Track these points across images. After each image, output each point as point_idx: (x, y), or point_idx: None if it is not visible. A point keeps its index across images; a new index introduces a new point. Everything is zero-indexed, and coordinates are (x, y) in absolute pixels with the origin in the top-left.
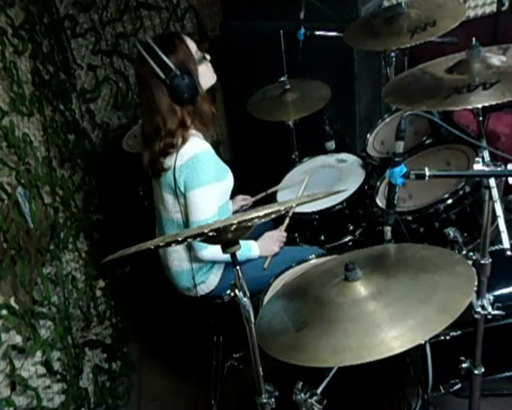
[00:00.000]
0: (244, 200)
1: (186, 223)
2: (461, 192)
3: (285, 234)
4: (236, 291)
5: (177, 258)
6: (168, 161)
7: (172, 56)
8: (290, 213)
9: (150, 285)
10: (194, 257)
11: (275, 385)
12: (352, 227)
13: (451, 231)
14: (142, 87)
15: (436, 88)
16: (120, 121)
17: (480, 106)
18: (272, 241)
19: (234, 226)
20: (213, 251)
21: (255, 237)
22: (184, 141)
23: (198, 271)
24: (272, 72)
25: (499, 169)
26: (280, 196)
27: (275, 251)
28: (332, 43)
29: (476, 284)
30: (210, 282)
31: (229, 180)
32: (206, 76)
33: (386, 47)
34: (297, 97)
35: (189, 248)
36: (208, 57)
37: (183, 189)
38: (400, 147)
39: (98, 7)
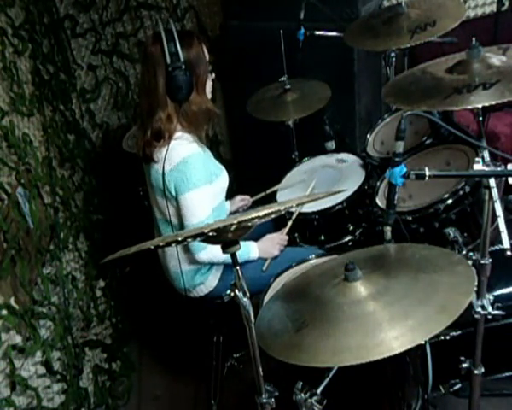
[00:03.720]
0: (243, 200)
1: (180, 226)
2: (461, 192)
3: (286, 237)
4: (236, 291)
5: (176, 259)
6: (156, 154)
7: (185, 50)
8: (294, 217)
9: (150, 285)
10: (191, 259)
11: (275, 385)
12: (351, 227)
13: (451, 231)
14: (146, 65)
15: (436, 88)
16: (120, 121)
17: (480, 106)
18: (272, 244)
19: (234, 226)
20: (210, 254)
21: (254, 238)
22: (171, 137)
23: (197, 272)
24: (272, 72)
25: (499, 169)
26: (280, 197)
27: (274, 254)
28: (332, 43)
29: (476, 284)
30: (209, 282)
31: (222, 180)
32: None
33: (386, 47)
34: (297, 97)
35: (187, 250)
36: (213, 75)
37: (174, 193)
38: (400, 147)
39: (98, 7)
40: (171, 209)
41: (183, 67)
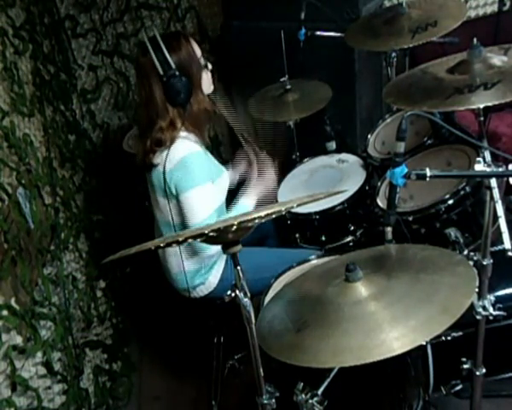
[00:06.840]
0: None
1: (181, 226)
2: (462, 193)
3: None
4: (237, 292)
5: (175, 260)
6: (157, 158)
7: (175, 54)
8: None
9: (151, 286)
10: (192, 259)
11: (275, 386)
12: (352, 228)
13: (452, 232)
14: (140, 78)
15: (437, 88)
16: (121, 122)
17: (481, 106)
18: (266, 184)
19: (234, 227)
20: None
21: (255, 238)
22: (173, 141)
23: (197, 272)
24: (273, 72)
25: (500, 169)
26: (280, 196)
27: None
28: (333, 43)
29: (477, 284)
30: (209, 283)
31: (224, 180)
32: (205, 84)
33: (387, 47)
34: (298, 98)
35: (188, 250)
36: (210, 66)
37: (174, 192)
38: (401, 147)
39: (99, 7)
40: (172, 209)
41: (177, 73)
